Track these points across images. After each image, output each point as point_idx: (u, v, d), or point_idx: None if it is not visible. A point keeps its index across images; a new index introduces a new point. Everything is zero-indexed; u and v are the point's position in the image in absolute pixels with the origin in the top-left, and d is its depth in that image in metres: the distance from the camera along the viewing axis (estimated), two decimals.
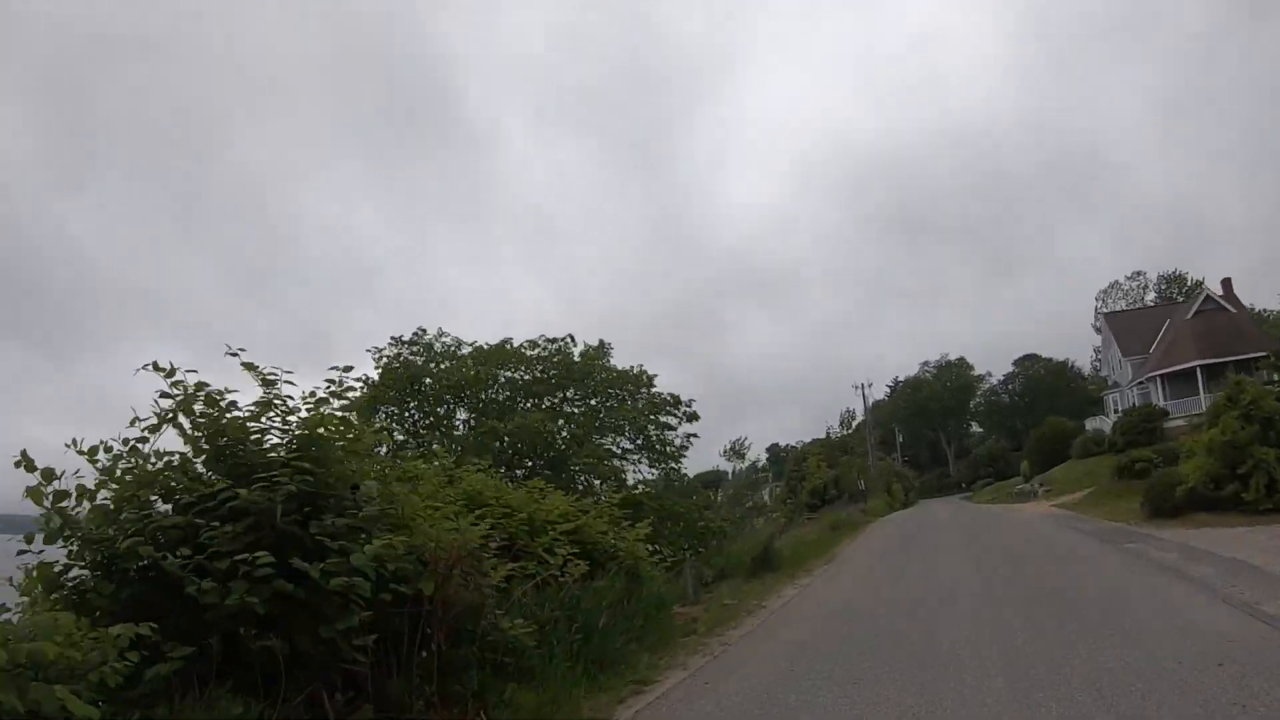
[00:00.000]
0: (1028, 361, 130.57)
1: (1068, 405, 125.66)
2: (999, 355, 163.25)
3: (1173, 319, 53.98)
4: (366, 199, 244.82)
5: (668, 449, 33.23)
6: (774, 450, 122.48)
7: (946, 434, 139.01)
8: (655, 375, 34.17)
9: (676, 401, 33.22)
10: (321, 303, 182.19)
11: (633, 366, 34.38)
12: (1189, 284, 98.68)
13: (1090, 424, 57.07)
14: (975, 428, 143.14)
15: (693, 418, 33.06)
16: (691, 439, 32.99)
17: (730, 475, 65.98)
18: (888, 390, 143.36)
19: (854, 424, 75.15)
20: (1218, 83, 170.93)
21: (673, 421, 33.41)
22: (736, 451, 59.76)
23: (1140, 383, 48.56)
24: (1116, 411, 54.78)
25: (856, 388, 66.30)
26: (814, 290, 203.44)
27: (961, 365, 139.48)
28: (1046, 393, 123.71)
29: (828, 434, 75.52)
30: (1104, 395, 57.85)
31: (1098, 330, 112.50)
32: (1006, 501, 48.92)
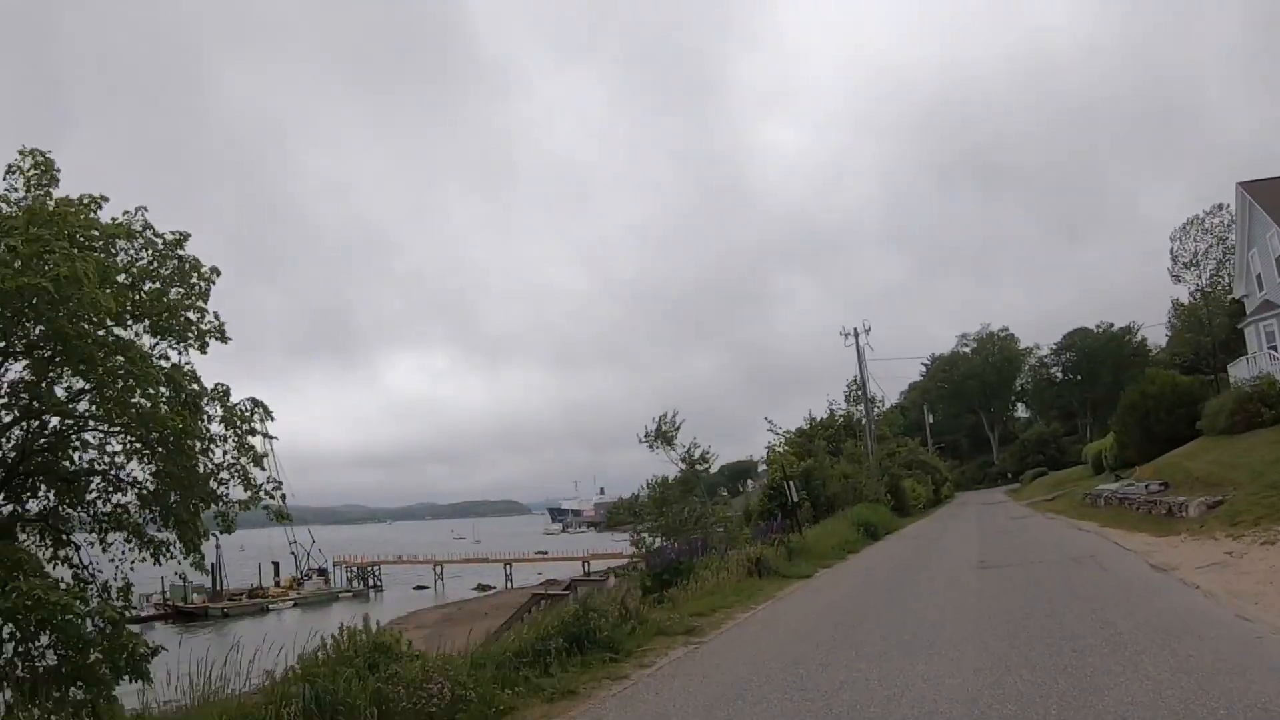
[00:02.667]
0: (1077, 335, 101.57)
1: (1137, 378, 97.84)
2: (1058, 331, 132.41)
3: None
4: (370, 154, 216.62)
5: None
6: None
7: (989, 417, 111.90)
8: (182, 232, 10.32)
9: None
10: (333, 279, 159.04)
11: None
12: None
13: (1239, 370, 30.85)
14: (1021, 412, 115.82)
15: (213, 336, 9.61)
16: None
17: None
18: (923, 369, 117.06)
19: (871, 397, 49.43)
20: None
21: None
22: (663, 436, 34.49)
23: None
24: (1273, 347, 28.66)
25: (845, 336, 41.11)
26: (867, 254, 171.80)
27: (1006, 338, 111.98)
28: (1109, 364, 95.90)
29: (830, 412, 50.09)
30: (1251, 325, 31.46)
31: (1176, 279, 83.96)
32: (1098, 519, 23.64)
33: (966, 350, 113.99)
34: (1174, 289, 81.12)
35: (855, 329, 39.46)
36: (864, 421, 59.51)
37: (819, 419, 55.80)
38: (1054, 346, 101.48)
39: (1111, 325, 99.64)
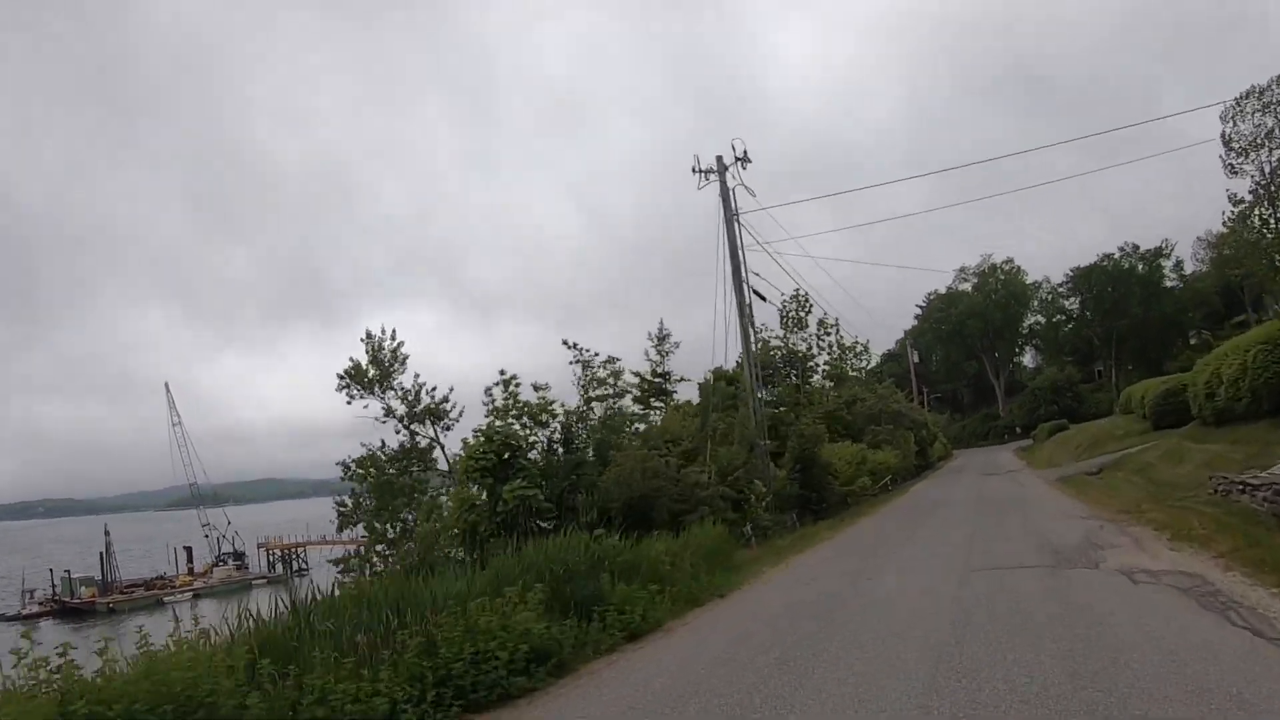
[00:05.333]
0: (1095, 270, 78.61)
1: (1169, 312, 76.86)
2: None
3: None
4: (329, 76, 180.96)
5: None
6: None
7: (993, 363, 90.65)
8: None
9: None
10: (305, 230, 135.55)
11: None
12: None
13: None
14: (1029, 361, 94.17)
15: None
16: None
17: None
18: (918, 311, 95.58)
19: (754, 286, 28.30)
20: None
21: None
22: (369, 376, 13.23)
23: None
24: None
25: (704, 174, 20.32)
26: (887, 184, 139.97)
27: (1011, 271, 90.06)
28: (1136, 294, 74.09)
29: (763, 343, 29.83)
30: None
31: (1232, 170, 61.88)
32: None
33: (966, 286, 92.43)
34: (1229, 182, 58.69)
35: (719, 158, 18.76)
36: (815, 352, 38.98)
37: (740, 364, 35.67)
38: (1068, 274, 79.37)
39: (1138, 247, 77.28)
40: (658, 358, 20.98)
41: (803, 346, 37.64)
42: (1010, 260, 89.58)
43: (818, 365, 36.57)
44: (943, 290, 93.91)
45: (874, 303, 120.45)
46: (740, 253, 18.05)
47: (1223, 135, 56.03)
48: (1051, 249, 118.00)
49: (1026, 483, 25.28)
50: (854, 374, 44.64)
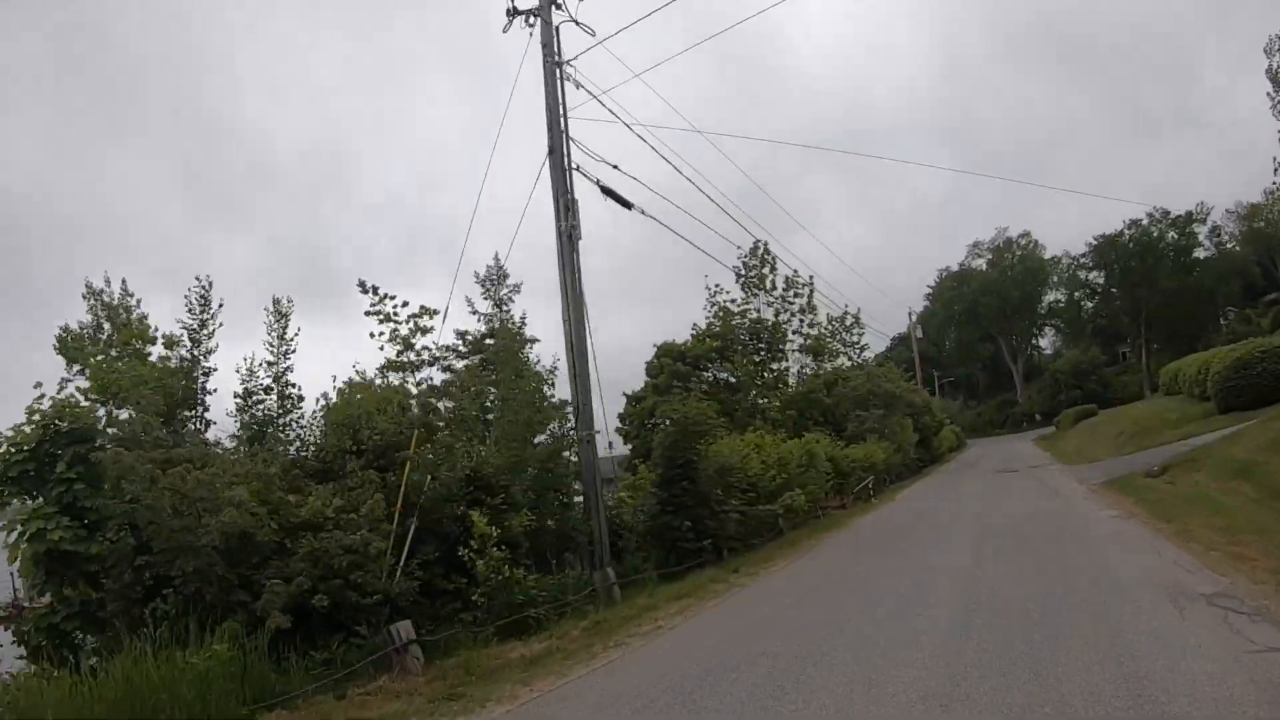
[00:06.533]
0: (1121, 245, 69.27)
1: (1204, 285, 67.81)
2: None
3: None
4: (326, 37, 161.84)
5: None
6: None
7: (1010, 346, 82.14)
8: None
9: None
10: (305, 216, 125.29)
11: None
12: None
13: None
14: (1047, 347, 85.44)
15: None
16: None
17: None
18: (928, 291, 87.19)
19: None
20: None
21: None
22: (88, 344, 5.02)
23: None
24: None
25: (515, 15, 13.05)
26: (912, 153, 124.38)
27: (1028, 246, 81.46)
28: (1167, 264, 65.23)
29: (722, 309, 22.01)
30: None
31: None
32: None
33: (980, 263, 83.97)
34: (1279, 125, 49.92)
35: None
36: (785, 319, 31.15)
37: (705, 328, 28.33)
38: (1091, 243, 70.43)
39: (1168, 213, 68.06)
40: (491, 309, 13.66)
41: (769, 314, 29.99)
42: (1027, 234, 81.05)
43: (787, 335, 28.87)
44: (954, 268, 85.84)
45: (894, 294, 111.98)
46: (564, 120, 10.47)
47: (1268, 70, 47.48)
48: (1074, 225, 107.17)
49: (1060, 488, 17.48)
50: (845, 350, 37.04)
